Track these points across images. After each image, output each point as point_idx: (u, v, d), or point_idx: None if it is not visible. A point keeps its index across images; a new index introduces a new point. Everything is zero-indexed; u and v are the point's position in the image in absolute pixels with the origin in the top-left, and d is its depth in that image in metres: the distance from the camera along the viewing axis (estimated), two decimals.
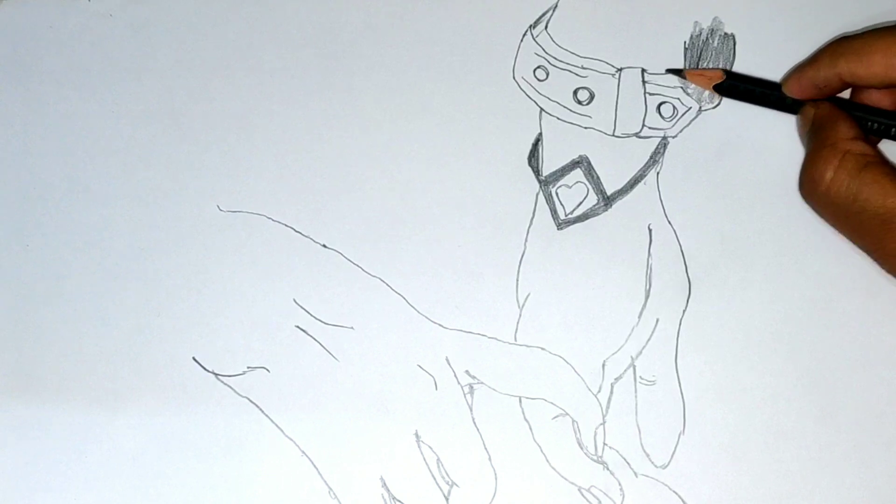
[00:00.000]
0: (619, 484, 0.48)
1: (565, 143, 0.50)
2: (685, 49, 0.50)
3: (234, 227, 0.50)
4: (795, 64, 0.49)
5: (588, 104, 0.50)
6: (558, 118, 0.50)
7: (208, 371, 0.49)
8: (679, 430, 0.48)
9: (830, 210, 0.45)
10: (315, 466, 0.48)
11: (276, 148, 0.50)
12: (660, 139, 0.50)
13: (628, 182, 0.50)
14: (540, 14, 0.51)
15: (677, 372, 0.49)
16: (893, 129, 0.46)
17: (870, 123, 0.46)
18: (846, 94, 0.48)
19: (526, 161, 0.50)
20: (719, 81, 0.49)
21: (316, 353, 0.49)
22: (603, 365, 0.49)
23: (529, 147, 0.50)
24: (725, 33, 0.51)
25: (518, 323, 0.49)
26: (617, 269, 0.49)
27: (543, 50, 0.51)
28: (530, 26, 0.51)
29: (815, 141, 0.46)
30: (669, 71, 0.49)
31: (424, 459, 0.48)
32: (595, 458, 0.48)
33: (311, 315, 0.49)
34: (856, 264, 0.48)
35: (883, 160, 0.44)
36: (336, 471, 0.48)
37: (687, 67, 0.50)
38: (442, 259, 0.49)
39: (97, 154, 0.51)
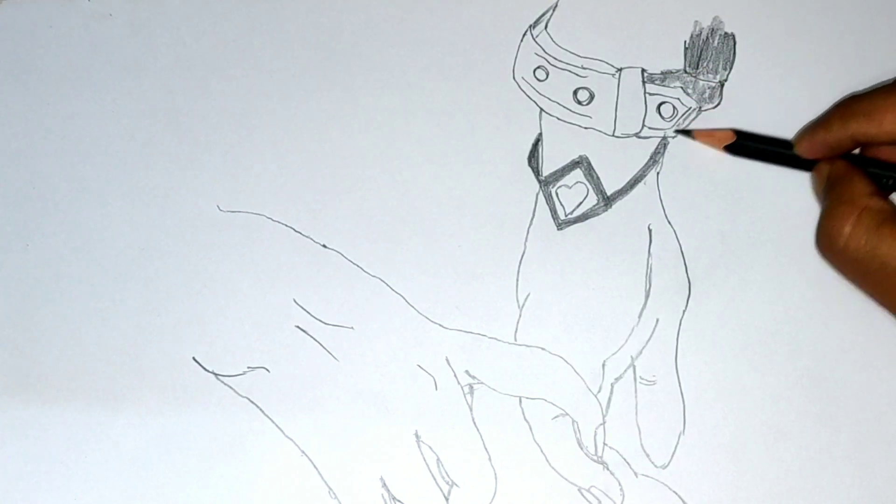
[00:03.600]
0: (619, 484, 0.48)
1: (565, 143, 0.50)
2: (685, 49, 0.51)
3: (234, 227, 0.50)
4: (807, 123, 0.48)
5: (588, 104, 0.50)
6: (558, 118, 0.50)
7: (208, 371, 0.49)
8: (679, 430, 0.48)
9: (849, 266, 0.45)
10: (315, 466, 0.48)
11: (276, 148, 0.50)
12: (660, 139, 0.50)
13: (628, 182, 0.50)
14: (540, 14, 0.51)
15: (677, 372, 0.49)
16: None
17: (885, 180, 0.46)
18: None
19: (526, 161, 0.50)
20: (730, 142, 0.49)
21: (316, 353, 0.49)
22: (603, 365, 0.49)
23: (529, 147, 0.50)
24: (725, 33, 0.51)
25: (518, 323, 0.49)
26: (617, 269, 0.49)
27: (543, 50, 0.51)
28: (530, 26, 0.51)
29: (832, 197, 0.46)
30: (678, 132, 0.49)
31: (424, 459, 0.48)
32: (595, 458, 0.48)
33: (311, 315, 0.49)
34: None
35: None
36: (336, 471, 0.48)
37: (687, 67, 0.50)
38: (442, 259, 0.49)
39: (97, 154, 0.51)
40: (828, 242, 0.45)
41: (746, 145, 0.49)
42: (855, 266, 0.44)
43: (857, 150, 0.48)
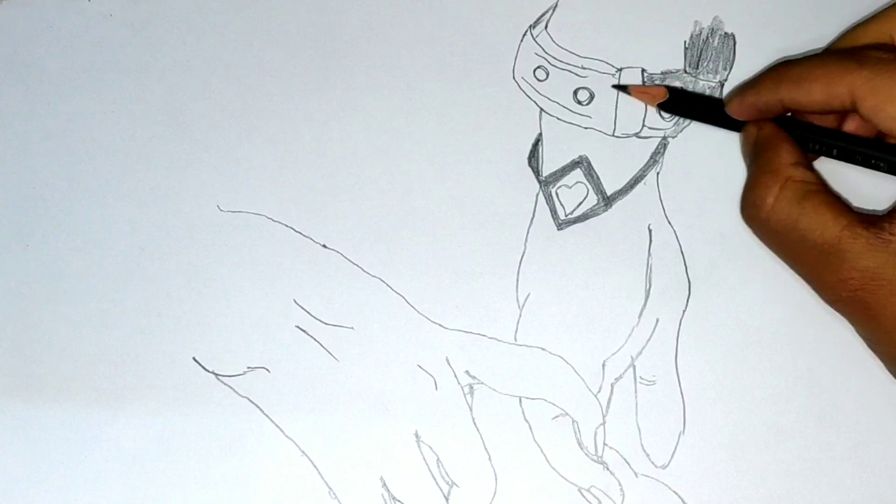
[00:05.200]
0: (619, 484, 0.48)
1: (565, 143, 0.50)
2: (685, 49, 0.50)
3: (234, 227, 0.50)
4: (739, 83, 0.49)
5: (588, 104, 0.50)
6: (558, 118, 0.50)
7: (208, 371, 0.49)
8: (679, 430, 0.48)
9: (770, 236, 0.45)
10: (315, 466, 0.48)
11: (276, 148, 0.50)
12: (660, 139, 0.50)
13: (628, 182, 0.50)
14: (540, 14, 0.51)
15: (677, 372, 0.49)
16: (835, 150, 0.46)
17: (811, 144, 0.46)
18: None
19: (526, 161, 0.50)
20: (663, 100, 0.49)
21: (316, 353, 0.49)
22: (603, 365, 0.49)
23: (529, 147, 0.50)
24: (725, 33, 0.51)
25: (518, 323, 0.49)
26: (617, 269, 0.49)
27: (543, 50, 0.51)
28: (530, 26, 0.51)
29: (758, 164, 0.46)
30: (616, 87, 0.50)
31: (424, 459, 0.48)
32: (595, 458, 0.48)
33: (311, 315, 0.49)
34: None
35: (825, 188, 0.44)
36: (336, 471, 0.48)
37: (687, 67, 0.50)
38: (442, 259, 0.49)
39: (97, 154, 0.51)
40: (752, 212, 0.45)
41: (679, 103, 0.49)
42: (777, 237, 0.45)
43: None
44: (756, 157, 0.46)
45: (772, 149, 0.46)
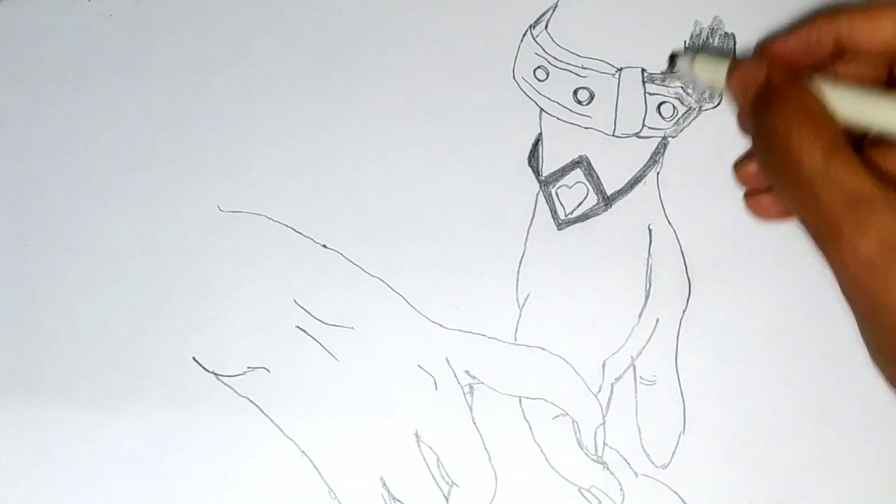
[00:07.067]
0: (619, 484, 0.48)
1: (565, 143, 0.50)
2: (685, 48, 0.50)
3: (234, 227, 0.50)
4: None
5: (588, 104, 0.50)
6: (558, 118, 0.50)
7: (208, 371, 0.49)
8: (679, 430, 0.48)
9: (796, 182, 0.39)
10: (315, 466, 0.48)
11: (276, 148, 0.50)
12: (660, 139, 0.50)
13: (628, 182, 0.50)
14: (540, 14, 0.51)
15: (677, 372, 0.49)
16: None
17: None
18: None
19: (526, 161, 0.50)
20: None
21: (316, 353, 0.49)
22: (603, 365, 0.49)
23: (529, 147, 0.50)
24: (726, 33, 0.51)
25: (518, 323, 0.49)
26: (617, 269, 0.49)
27: (543, 50, 0.51)
28: (530, 26, 0.51)
29: (794, 111, 0.40)
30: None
31: (424, 459, 0.48)
32: (595, 458, 0.48)
33: (312, 315, 0.49)
34: None
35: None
36: (336, 471, 0.48)
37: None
38: (442, 259, 0.49)
39: (97, 154, 0.51)
40: (781, 155, 0.39)
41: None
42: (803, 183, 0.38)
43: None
44: (790, 104, 0.40)
45: (811, 95, 0.39)
